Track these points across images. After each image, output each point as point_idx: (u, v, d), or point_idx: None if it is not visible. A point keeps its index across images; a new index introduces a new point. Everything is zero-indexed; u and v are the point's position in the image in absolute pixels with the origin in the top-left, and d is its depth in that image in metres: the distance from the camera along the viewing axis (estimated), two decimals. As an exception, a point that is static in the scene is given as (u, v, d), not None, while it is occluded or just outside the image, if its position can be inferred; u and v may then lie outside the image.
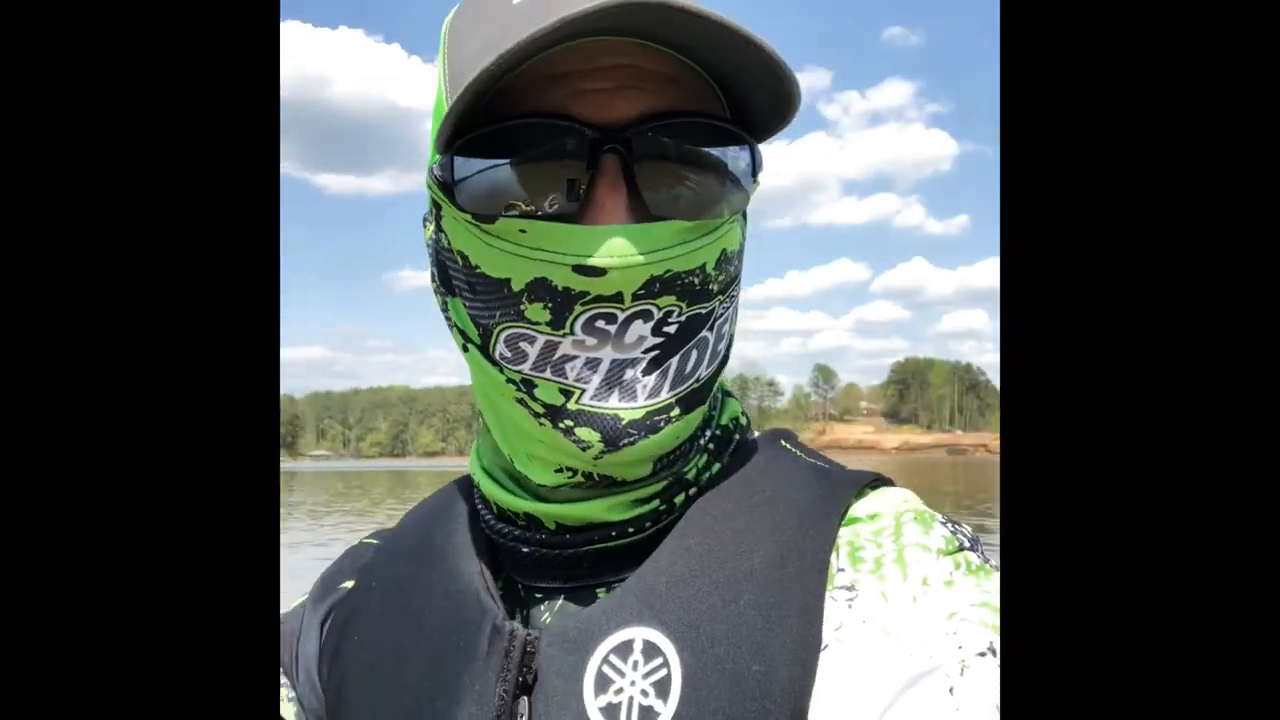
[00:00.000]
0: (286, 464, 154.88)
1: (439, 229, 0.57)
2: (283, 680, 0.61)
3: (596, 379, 0.52)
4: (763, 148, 0.57)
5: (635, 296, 0.50)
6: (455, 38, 0.56)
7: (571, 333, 0.51)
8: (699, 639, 0.51)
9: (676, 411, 0.54)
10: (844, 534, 0.56)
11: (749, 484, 0.59)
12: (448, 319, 0.59)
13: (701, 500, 0.58)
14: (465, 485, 0.67)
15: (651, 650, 0.51)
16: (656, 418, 0.53)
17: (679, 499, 0.57)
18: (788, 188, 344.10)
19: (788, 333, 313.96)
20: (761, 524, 0.56)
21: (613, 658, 0.51)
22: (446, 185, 0.54)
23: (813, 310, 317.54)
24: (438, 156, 0.55)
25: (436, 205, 0.56)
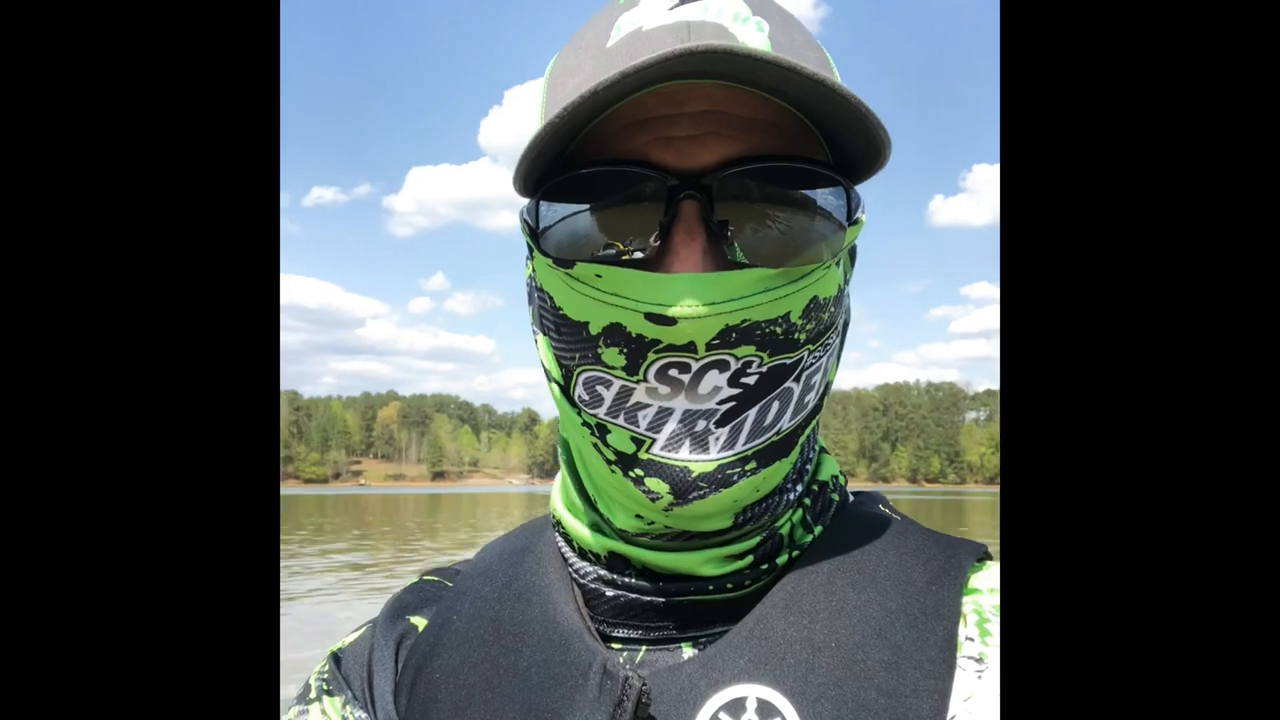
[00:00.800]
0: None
1: (533, 268, 0.57)
2: (360, 714, 0.59)
3: (668, 429, 0.51)
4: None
5: (709, 346, 0.50)
6: (554, 79, 0.56)
7: (645, 380, 0.51)
8: (823, 701, 0.49)
9: (753, 465, 0.52)
10: (967, 603, 0.54)
11: (864, 548, 0.57)
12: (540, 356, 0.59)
13: (814, 562, 0.56)
14: (545, 524, 0.66)
15: (768, 710, 0.49)
16: (729, 471, 0.51)
17: (781, 559, 0.56)
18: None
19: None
20: (885, 588, 0.54)
21: (723, 716, 0.49)
22: (532, 227, 0.55)
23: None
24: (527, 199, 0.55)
25: (529, 246, 0.57)
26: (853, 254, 0.58)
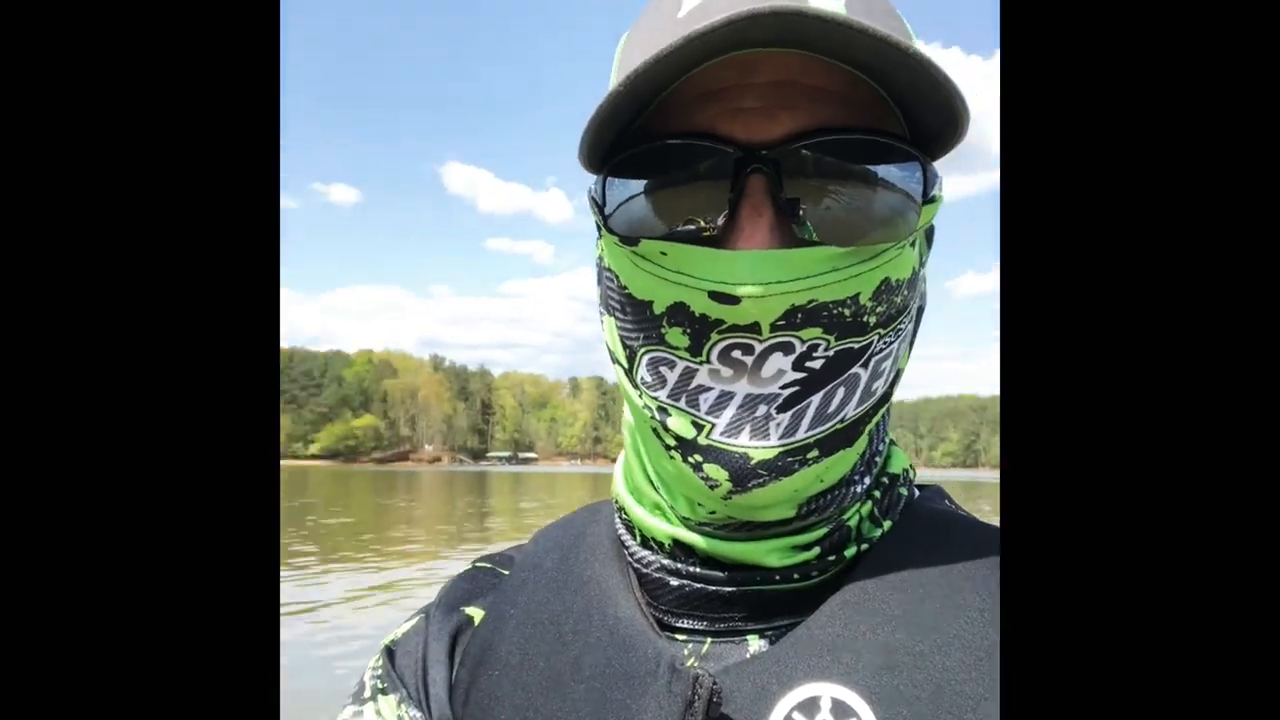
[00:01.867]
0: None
1: (601, 247, 0.56)
2: (415, 714, 0.57)
3: (728, 413, 0.49)
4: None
5: (774, 327, 0.47)
6: (625, 53, 0.54)
7: (708, 361, 0.49)
8: (900, 703, 0.46)
9: (815, 453, 0.50)
10: None
11: (938, 546, 0.54)
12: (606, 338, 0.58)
13: (885, 557, 0.53)
14: (599, 511, 0.65)
15: (844, 711, 0.47)
16: (790, 459, 0.49)
17: (849, 551, 0.53)
18: None
19: None
20: (960, 587, 0.51)
21: (796, 716, 0.47)
22: (599, 204, 0.53)
23: None
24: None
25: (597, 225, 0.55)
26: (929, 235, 0.56)
